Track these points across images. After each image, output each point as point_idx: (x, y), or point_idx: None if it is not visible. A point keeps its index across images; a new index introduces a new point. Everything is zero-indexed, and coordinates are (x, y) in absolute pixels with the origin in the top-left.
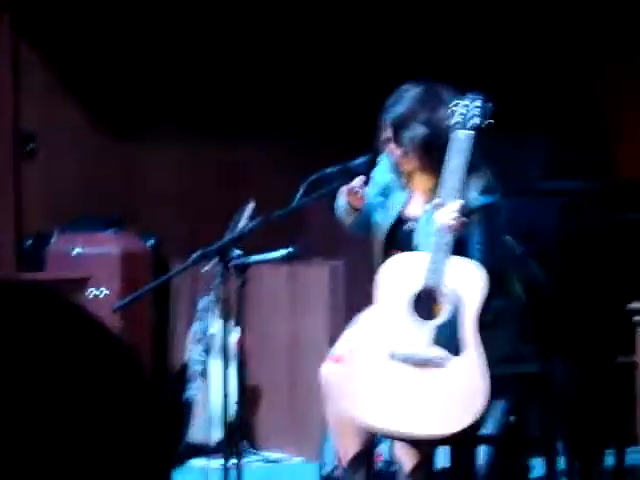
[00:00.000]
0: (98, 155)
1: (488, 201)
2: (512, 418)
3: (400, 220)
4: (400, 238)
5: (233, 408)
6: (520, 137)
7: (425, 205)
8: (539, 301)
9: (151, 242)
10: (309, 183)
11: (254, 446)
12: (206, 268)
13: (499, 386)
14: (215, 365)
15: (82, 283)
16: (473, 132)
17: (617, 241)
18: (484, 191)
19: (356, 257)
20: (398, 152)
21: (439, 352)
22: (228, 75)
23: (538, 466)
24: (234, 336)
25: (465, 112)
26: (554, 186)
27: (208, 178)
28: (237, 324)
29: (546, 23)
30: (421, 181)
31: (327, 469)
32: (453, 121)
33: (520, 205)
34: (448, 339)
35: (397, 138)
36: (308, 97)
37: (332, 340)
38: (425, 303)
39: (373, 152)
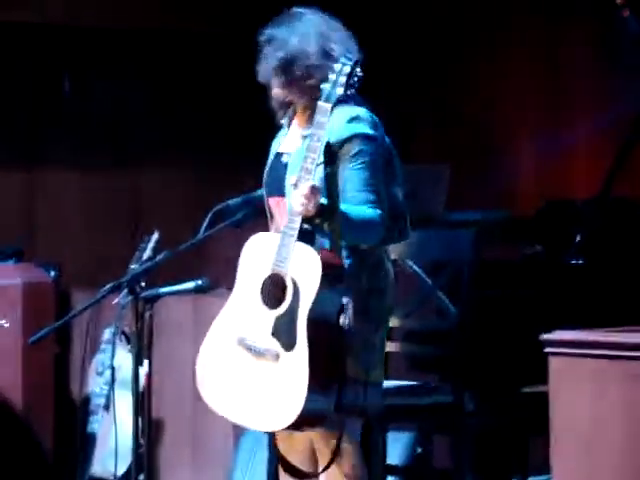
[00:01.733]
0: None
1: (360, 131)
2: (420, 449)
3: (278, 158)
4: (276, 176)
5: (139, 441)
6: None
7: (301, 134)
8: (449, 333)
9: (53, 273)
10: (213, 214)
11: None
12: (117, 300)
13: (407, 416)
14: (120, 397)
15: None
16: (330, 105)
17: (528, 272)
18: (352, 120)
19: None
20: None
21: (274, 345)
22: (131, 105)
23: None
24: (144, 369)
25: (334, 79)
26: (464, 217)
27: (109, 208)
28: (146, 357)
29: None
30: (300, 112)
31: None
32: (324, 90)
33: (428, 236)
34: (285, 331)
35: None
36: (209, 128)
37: None
38: (274, 289)
39: None
